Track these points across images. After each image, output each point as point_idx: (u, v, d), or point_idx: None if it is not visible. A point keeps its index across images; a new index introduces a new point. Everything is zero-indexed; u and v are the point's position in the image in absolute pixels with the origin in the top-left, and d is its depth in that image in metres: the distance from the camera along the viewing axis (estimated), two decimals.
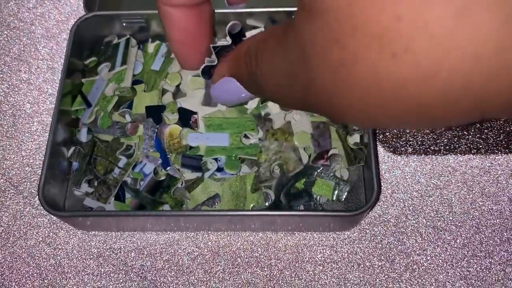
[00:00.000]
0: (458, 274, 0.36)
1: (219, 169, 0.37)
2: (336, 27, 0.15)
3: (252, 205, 0.36)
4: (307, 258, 0.37)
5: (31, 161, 0.41)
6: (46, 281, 0.37)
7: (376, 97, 0.15)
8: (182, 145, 0.37)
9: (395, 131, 0.41)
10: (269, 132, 0.37)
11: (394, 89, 0.15)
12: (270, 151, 0.37)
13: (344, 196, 0.37)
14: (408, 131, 0.41)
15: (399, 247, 0.37)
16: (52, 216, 0.38)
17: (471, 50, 0.13)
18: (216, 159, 0.37)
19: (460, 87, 0.14)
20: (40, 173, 0.36)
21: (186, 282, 0.36)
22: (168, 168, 0.37)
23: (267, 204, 0.36)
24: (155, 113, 0.38)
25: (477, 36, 0.13)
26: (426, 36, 0.13)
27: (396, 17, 0.13)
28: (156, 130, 0.38)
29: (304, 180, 0.37)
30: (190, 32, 0.29)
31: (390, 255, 0.37)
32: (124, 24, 0.42)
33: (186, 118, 0.38)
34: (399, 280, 0.36)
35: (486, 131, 0.40)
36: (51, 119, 0.37)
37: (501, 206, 0.38)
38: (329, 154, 0.37)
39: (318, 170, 0.37)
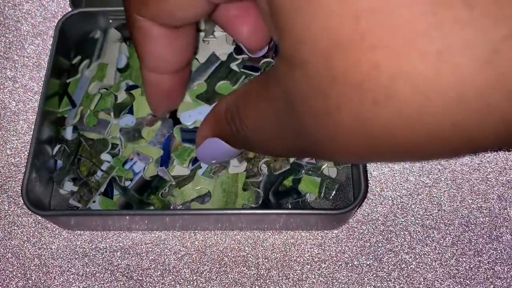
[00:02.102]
0: (447, 272, 0.36)
1: None
2: (317, 77, 0.15)
3: (243, 203, 0.35)
4: (294, 257, 0.36)
5: (16, 159, 0.40)
6: (30, 281, 0.36)
7: (363, 142, 0.15)
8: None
9: None
10: None
11: (380, 134, 0.15)
12: None
13: (333, 194, 0.36)
14: None
15: (388, 245, 0.37)
16: (37, 216, 0.38)
17: (454, 93, 0.13)
18: None
19: (446, 129, 0.14)
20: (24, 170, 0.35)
21: (173, 282, 0.36)
22: (159, 169, 0.36)
23: (259, 202, 0.35)
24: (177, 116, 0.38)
25: (458, 79, 0.13)
26: (406, 84, 0.13)
27: (374, 66, 0.13)
28: (171, 131, 0.37)
29: (292, 177, 0.36)
30: (170, 93, 0.30)
31: (379, 253, 0.36)
32: (111, 21, 0.41)
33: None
34: (388, 279, 0.36)
35: None
36: (36, 116, 0.37)
37: (491, 204, 0.38)
38: None
39: (306, 168, 0.36)
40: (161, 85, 0.29)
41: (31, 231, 0.38)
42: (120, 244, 0.37)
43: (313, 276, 0.36)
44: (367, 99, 0.14)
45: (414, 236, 0.37)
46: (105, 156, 0.37)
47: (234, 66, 0.39)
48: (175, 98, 0.33)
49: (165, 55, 0.27)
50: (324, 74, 0.15)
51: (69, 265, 0.37)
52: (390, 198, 0.38)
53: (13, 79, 0.43)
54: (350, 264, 0.36)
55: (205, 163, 0.29)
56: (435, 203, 0.38)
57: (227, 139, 0.24)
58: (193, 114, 0.38)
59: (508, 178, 0.38)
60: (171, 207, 0.35)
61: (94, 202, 0.36)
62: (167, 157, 0.37)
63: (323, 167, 0.36)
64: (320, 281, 0.36)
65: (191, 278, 0.36)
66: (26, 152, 0.40)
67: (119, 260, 0.37)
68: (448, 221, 0.37)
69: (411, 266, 0.36)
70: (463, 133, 0.14)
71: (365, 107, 0.14)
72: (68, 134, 0.38)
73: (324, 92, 0.15)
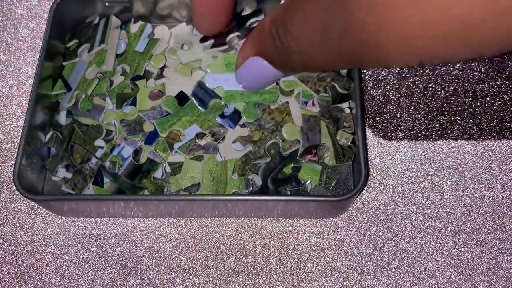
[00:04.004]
0: (448, 262, 0.35)
1: (225, 116, 0.36)
2: None
3: (233, 191, 0.34)
4: (293, 245, 0.35)
5: (9, 145, 0.39)
6: (22, 267, 0.35)
7: (418, 22, 0.15)
8: (178, 136, 0.36)
9: (386, 116, 0.39)
10: (265, 111, 0.36)
11: (437, 10, 0.14)
12: (265, 129, 0.35)
13: (333, 184, 0.35)
14: (398, 115, 0.39)
15: (388, 234, 0.36)
16: (30, 202, 0.37)
17: None
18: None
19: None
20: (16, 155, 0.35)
21: (168, 270, 0.35)
22: (149, 151, 0.35)
23: (247, 190, 0.34)
24: (185, 99, 0.37)
25: None
26: None
27: None
28: (169, 113, 0.37)
29: (292, 165, 0.35)
30: (213, 4, 0.29)
31: (379, 242, 0.36)
32: (107, 4, 0.40)
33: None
34: (388, 269, 0.35)
35: (479, 116, 0.39)
36: (29, 100, 0.36)
37: (494, 193, 0.37)
38: (317, 150, 0.35)
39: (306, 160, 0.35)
40: None
41: (24, 217, 0.37)
42: (115, 231, 0.36)
43: (311, 265, 0.35)
44: None
45: (415, 225, 0.36)
46: (99, 143, 0.36)
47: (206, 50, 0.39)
48: (219, 15, 0.31)
49: None
50: None
51: (62, 252, 0.36)
52: (391, 186, 0.37)
53: (6, 62, 0.42)
54: (350, 253, 0.35)
55: (245, 86, 0.28)
56: (437, 191, 0.37)
57: (269, 57, 0.23)
58: (219, 79, 0.36)
59: (511, 167, 0.38)
60: (165, 194, 0.35)
61: (88, 188, 0.35)
62: (154, 135, 0.36)
63: (325, 155, 0.35)
64: (319, 269, 0.35)
65: (187, 266, 0.35)
66: (19, 137, 0.39)
67: (113, 247, 0.36)
68: (450, 210, 0.36)
69: (412, 255, 0.35)
70: None
71: None
72: (62, 118, 0.37)
73: None
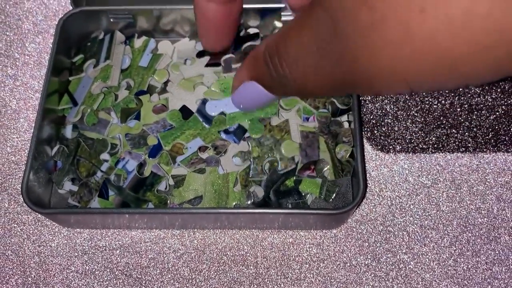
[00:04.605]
0: (444, 273, 0.36)
1: (230, 132, 0.37)
2: None
3: (234, 204, 0.35)
4: (293, 256, 0.36)
5: (16, 157, 0.40)
6: (30, 278, 0.36)
7: (408, 55, 0.15)
8: (181, 150, 0.37)
9: (383, 129, 0.41)
10: (266, 128, 0.37)
11: (425, 44, 0.15)
12: (264, 147, 0.36)
13: (333, 197, 0.36)
14: (396, 128, 0.40)
15: (386, 245, 0.37)
16: (37, 214, 0.38)
17: None
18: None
19: (493, 32, 0.14)
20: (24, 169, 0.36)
21: (171, 280, 0.36)
22: (152, 165, 0.36)
23: (248, 202, 0.35)
24: (188, 113, 0.38)
25: None
26: None
27: None
28: (173, 126, 0.38)
29: (294, 178, 0.36)
30: (216, 23, 0.30)
31: (377, 253, 0.37)
32: (112, 20, 0.42)
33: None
34: (386, 279, 0.36)
35: (475, 129, 0.40)
36: (36, 115, 0.37)
37: (489, 204, 0.38)
38: (316, 166, 0.36)
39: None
40: (207, 14, 0.29)
41: (31, 229, 0.38)
42: (120, 242, 0.37)
43: (311, 276, 0.36)
44: (414, 7, 0.14)
45: (413, 236, 0.37)
46: (104, 156, 0.37)
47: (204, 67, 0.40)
48: (223, 33, 0.32)
49: None
50: None
51: (68, 263, 0.37)
52: (389, 198, 0.38)
53: (14, 77, 0.44)
54: (349, 264, 0.36)
55: (241, 108, 0.29)
56: (433, 203, 0.38)
57: (264, 82, 0.24)
58: (219, 105, 0.38)
59: (506, 179, 0.39)
60: (169, 207, 0.35)
61: (94, 201, 0.36)
62: (158, 147, 0.37)
63: (325, 169, 0.36)
64: (319, 280, 0.36)
65: (190, 277, 0.36)
66: (26, 150, 0.40)
67: (118, 258, 0.37)
68: (446, 221, 0.37)
69: (409, 266, 0.36)
70: (509, 39, 0.14)
71: (412, 16, 0.14)
72: (68, 132, 0.38)
73: (370, 4, 0.15)
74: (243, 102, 0.28)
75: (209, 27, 0.30)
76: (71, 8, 0.43)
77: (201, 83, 0.39)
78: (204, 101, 0.38)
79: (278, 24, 0.40)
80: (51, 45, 0.44)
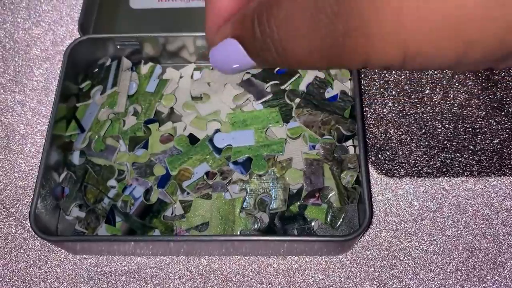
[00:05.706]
0: None
1: (238, 163, 0.38)
2: None
3: (240, 229, 0.35)
4: (298, 283, 0.36)
5: (24, 182, 0.41)
6: None
7: (415, 11, 0.15)
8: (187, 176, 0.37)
9: (388, 153, 0.41)
10: (270, 161, 0.37)
11: (434, 3, 0.14)
12: (263, 182, 0.37)
13: (338, 223, 0.36)
14: (400, 152, 0.41)
15: (392, 271, 0.37)
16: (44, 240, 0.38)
17: None
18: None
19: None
20: (32, 195, 0.36)
21: None
22: (159, 190, 0.37)
23: (254, 227, 0.35)
24: (196, 139, 0.39)
25: None
26: None
27: None
28: (181, 151, 0.38)
29: (298, 203, 0.37)
30: (222, 17, 0.25)
31: (383, 279, 0.36)
32: (118, 47, 0.42)
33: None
34: None
35: (479, 153, 0.40)
36: (44, 141, 0.37)
37: (495, 229, 0.38)
38: (321, 193, 0.36)
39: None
40: (218, 4, 0.25)
41: (38, 255, 0.38)
42: (125, 268, 0.37)
43: None
44: None
45: (418, 262, 0.37)
46: (112, 183, 0.38)
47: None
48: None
49: None
50: None
51: None
52: (394, 223, 0.38)
53: (21, 102, 0.44)
54: None
55: (216, 66, 0.27)
56: (438, 228, 0.38)
57: (245, 43, 0.22)
58: (226, 138, 0.38)
59: None
60: (175, 233, 0.36)
61: (101, 227, 0.36)
62: (167, 178, 0.37)
63: (330, 195, 0.36)
64: None
65: None
66: (33, 175, 0.41)
67: (124, 284, 0.37)
68: (452, 246, 0.37)
69: None
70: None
71: None
72: (76, 158, 0.39)
73: None
74: (219, 60, 0.25)
75: (219, 21, 0.24)
76: (78, 35, 0.44)
77: (214, 120, 0.39)
78: (216, 130, 0.38)
79: None
80: (58, 71, 0.45)
